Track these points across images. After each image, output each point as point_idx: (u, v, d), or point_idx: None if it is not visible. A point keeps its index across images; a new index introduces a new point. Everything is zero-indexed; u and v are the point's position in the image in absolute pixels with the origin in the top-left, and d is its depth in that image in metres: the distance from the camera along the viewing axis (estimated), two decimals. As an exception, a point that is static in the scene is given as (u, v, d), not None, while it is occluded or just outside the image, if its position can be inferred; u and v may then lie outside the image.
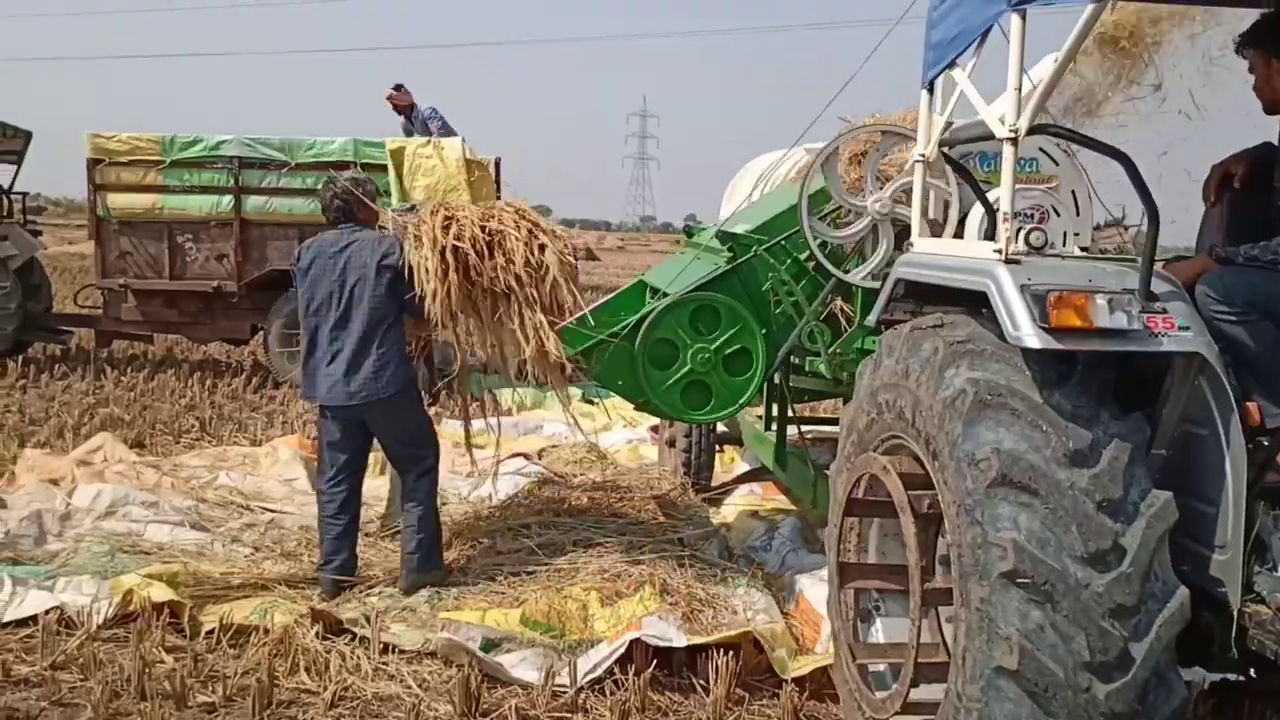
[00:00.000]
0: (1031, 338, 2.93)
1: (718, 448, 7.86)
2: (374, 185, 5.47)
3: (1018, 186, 5.10)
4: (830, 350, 5.29)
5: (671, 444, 7.78)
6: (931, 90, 3.78)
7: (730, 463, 8.48)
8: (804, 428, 6.53)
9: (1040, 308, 2.93)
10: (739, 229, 5.61)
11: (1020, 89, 3.11)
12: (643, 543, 5.75)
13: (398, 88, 11.65)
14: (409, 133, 12.31)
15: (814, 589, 5.29)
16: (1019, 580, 2.84)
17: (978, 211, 5.06)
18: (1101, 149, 3.23)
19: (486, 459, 6.92)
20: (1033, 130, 3.14)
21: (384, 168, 11.22)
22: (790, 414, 6.38)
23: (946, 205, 5.23)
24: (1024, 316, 2.97)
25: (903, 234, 5.22)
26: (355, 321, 5.22)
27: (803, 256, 5.44)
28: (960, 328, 3.35)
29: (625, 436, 9.31)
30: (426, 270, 5.10)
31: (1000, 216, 3.15)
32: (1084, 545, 2.83)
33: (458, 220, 5.24)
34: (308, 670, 4.47)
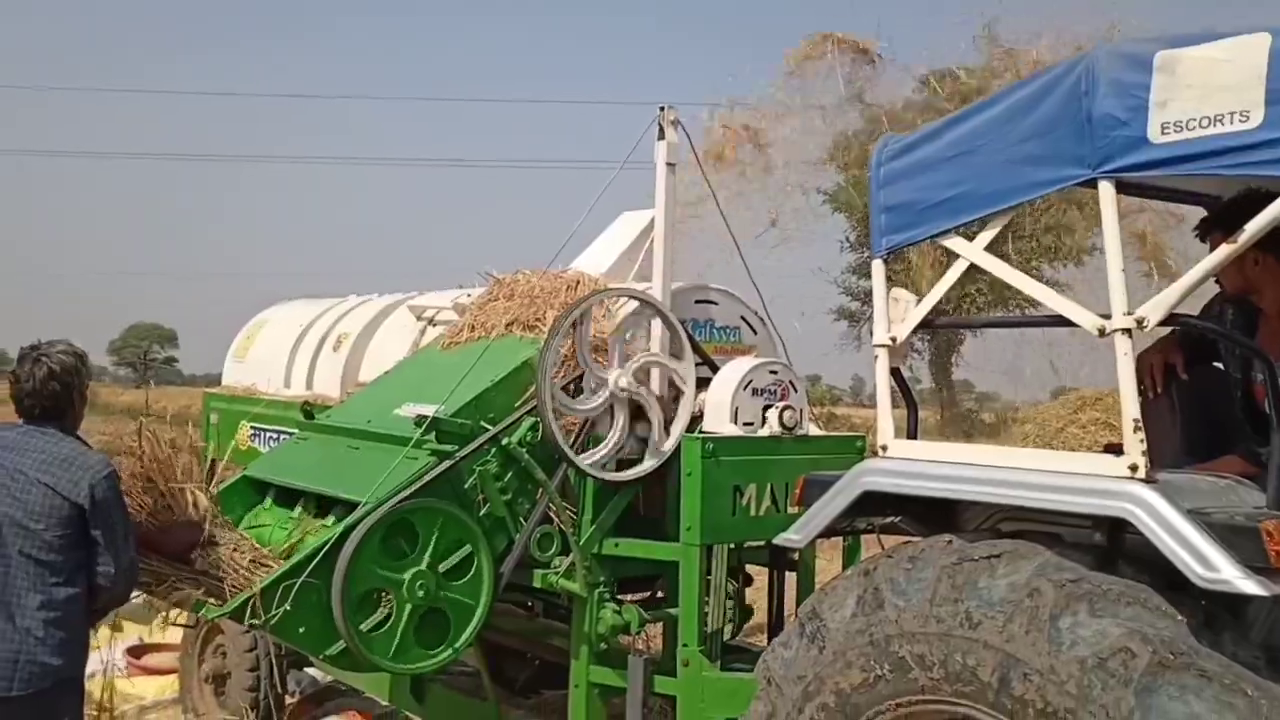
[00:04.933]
0: (1244, 581, 2.38)
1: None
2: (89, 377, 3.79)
3: (761, 361, 4.64)
4: (583, 553, 4.27)
5: (215, 679, 5.92)
6: (887, 261, 3.10)
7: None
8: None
9: (1251, 543, 2.39)
10: (429, 411, 4.32)
11: (1122, 269, 2.58)
12: None
13: None
14: None
15: None
16: None
17: (719, 392, 4.47)
18: (1247, 347, 2.81)
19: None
20: (1167, 322, 2.60)
21: None
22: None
23: (672, 384, 4.55)
24: (1216, 553, 2.41)
25: (634, 415, 4.47)
26: (46, 563, 3.51)
27: (514, 440, 4.38)
28: (1030, 558, 2.70)
29: None
30: None
31: (1130, 425, 2.56)
32: None
33: None
34: None
